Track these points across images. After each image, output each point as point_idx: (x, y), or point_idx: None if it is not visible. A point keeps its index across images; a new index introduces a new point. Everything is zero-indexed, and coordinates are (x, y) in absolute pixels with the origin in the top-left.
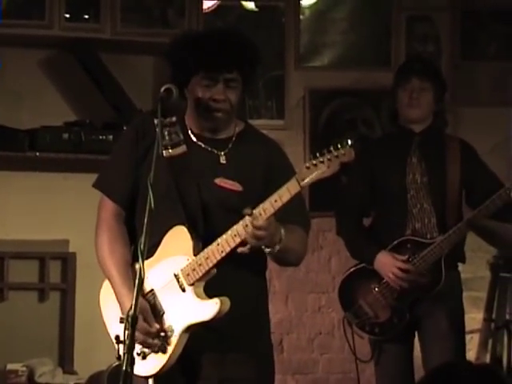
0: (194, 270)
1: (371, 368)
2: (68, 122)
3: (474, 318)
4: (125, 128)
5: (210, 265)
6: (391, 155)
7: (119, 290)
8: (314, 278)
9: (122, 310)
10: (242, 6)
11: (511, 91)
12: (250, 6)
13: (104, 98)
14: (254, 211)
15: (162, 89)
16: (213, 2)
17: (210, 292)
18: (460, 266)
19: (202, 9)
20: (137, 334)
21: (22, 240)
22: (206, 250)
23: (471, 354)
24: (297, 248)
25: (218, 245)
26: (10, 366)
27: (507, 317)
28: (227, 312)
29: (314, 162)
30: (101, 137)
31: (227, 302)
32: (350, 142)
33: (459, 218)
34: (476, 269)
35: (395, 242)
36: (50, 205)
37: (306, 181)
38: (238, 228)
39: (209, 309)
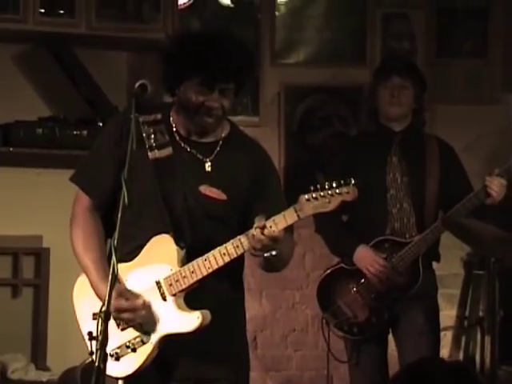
0: (177, 281)
1: (344, 366)
2: (42, 118)
3: (447, 314)
4: (100, 124)
5: (195, 279)
6: (371, 153)
7: (97, 285)
8: (289, 274)
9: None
10: (217, 1)
11: (486, 89)
12: (226, 1)
13: (78, 93)
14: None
15: (137, 84)
16: None
17: (186, 297)
18: (434, 264)
19: (178, 4)
20: (126, 315)
21: None
22: (192, 263)
23: (444, 352)
24: (288, 254)
25: (206, 260)
26: None
27: (480, 314)
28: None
29: (315, 195)
30: (75, 132)
31: (208, 315)
32: (353, 181)
33: (436, 218)
34: (450, 266)
35: (373, 241)
36: (23, 200)
37: (304, 213)
38: (228, 247)
39: (190, 321)
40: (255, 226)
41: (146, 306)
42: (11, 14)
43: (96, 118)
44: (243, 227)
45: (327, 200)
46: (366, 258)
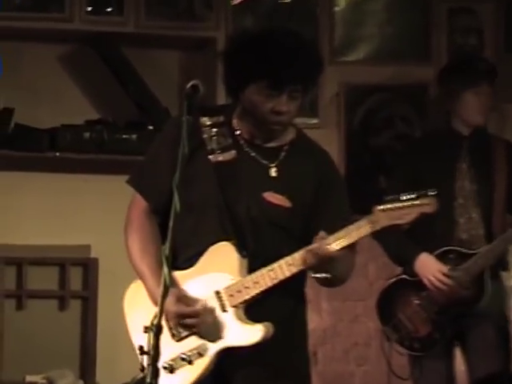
0: (239, 291)
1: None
2: (90, 121)
3: None
4: (150, 127)
5: (259, 290)
6: (438, 158)
7: (155, 292)
8: (350, 284)
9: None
10: None
11: None
12: None
13: (127, 95)
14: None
15: (188, 85)
16: None
17: (246, 308)
18: (502, 274)
19: (232, 0)
20: (188, 321)
21: (40, 245)
22: (256, 273)
23: None
24: (346, 272)
25: (271, 271)
26: (28, 378)
27: None
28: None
29: (391, 205)
30: (124, 136)
31: (271, 328)
32: (432, 192)
33: (505, 227)
34: None
35: (437, 252)
36: (70, 208)
37: (379, 224)
38: (296, 257)
39: (252, 334)
40: (316, 239)
41: (208, 312)
42: (56, 13)
43: (146, 121)
44: (306, 237)
45: (405, 212)
46: (428, 266)
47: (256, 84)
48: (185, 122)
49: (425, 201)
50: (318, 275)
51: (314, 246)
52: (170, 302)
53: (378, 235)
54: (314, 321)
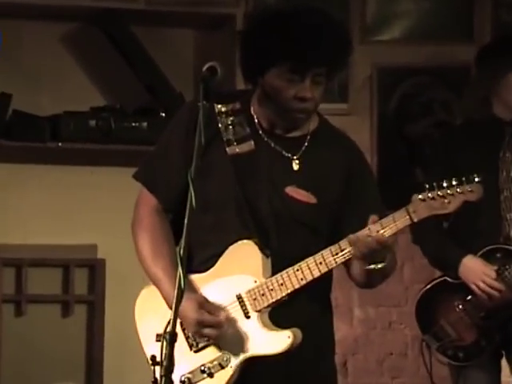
0: (263, 295)
1: None
2: (95, 107)
3: None
4: (163, 114)
5: (285, 293)
6: (480, 148)
7: (170, 297)
8: (384, 288)
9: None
10: None
11: None
12: None
13: (137, 78)
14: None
15: (205, 67)
16: None
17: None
18: None
19: None
20: (209, 331)
21: (41, 245)
22: (281, 273)
23: None
24: (392, 268)
25: (298, 271)
26: None
27: None
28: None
29: (431, 194)
30: (133, 124)
31: (299, 334)
32: (477, 178)
33: None
34: None
35: (483, 251)
36: (75, 203)
37: (419, 215)
38: (325, 255)
39: (279, 342)
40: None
41: (230, 322)
42: None
43: (157, 107)
44: (335, 235)
45: (447, 200)
46: (474, 270)
47: (277, 67)
48: (201, 107)
49: (467, 188)
50: (372, 266)
51: (363, 232)
52: (191, 309)
53: (417, 238)
54: (344, 328)
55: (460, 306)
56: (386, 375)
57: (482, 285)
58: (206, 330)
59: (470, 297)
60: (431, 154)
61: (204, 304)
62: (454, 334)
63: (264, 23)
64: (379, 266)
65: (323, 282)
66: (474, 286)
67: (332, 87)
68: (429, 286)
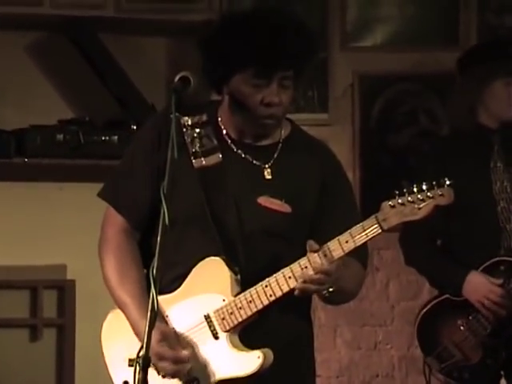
0: (231, 313)
1: None
2: (63, 121)
3: None
4: (134, 127)
5: (254, 310)
6: (471, 158)
7: (139, 324)
8: (369, 307)
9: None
10: None
11: None
12: None
13: (107, 89)
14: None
15: (177, 77)
16: None
17: (241, 333)
18: None
19: None
20: (165, 364)
21: (7, 266)
22: (250, 290)
23: None
24: (351, 288)
25: (267, 287)
26: None
27: None
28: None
29: (401, 200)
30: (103, 138)
31: (270, 354)
32: (448, 181)
33: None
34: None
35: (486, 264)
36: (42, 221)
37: (389, 223)
38: (295, 269)
39: (249, 363)
40: (309, 246)
41: (195, 357)
42: None
43: (128, 119)
44: None
45: (417, 206)
46: (479, 288)
47: (241, 73)
48: (174, 119)
49: (438, 192)
50: (324, 292)
51: (303, 261)
52: (153, 339)
53: (411, 260)
54: (327, 349)
55: (464, 325)
56: None
57: (487, 303)
58: (163, 364)
59: (474, 314)
60: (418, 166)
61: (168, 336)
62: (459, 355)
63: (223, 29)
64: (330, 290)
65: (301, 297)
66: (479, 305)
67: (311, 96)
68: (429, 306)
